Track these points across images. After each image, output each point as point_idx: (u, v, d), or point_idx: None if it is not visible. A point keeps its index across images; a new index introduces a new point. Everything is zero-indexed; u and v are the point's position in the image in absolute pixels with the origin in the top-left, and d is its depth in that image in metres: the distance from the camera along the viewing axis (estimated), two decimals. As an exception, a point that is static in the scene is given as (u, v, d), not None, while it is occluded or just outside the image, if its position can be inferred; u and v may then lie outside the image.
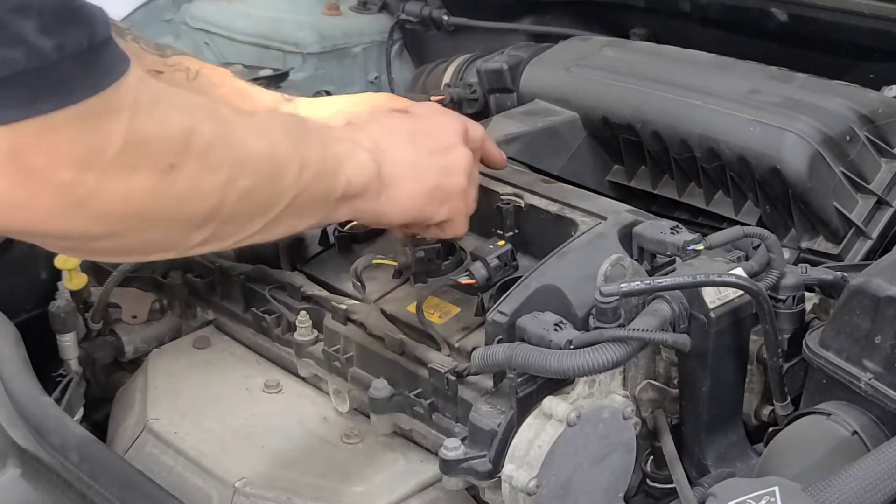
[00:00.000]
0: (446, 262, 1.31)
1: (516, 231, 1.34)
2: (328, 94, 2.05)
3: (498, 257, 1.25)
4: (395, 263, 1.32)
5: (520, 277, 1.21)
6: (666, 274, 1.20)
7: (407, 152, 1.15)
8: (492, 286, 1.26)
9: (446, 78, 1.98)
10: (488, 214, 1.36)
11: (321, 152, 1.02)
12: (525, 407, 1.11)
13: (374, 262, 1.32)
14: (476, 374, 1.18)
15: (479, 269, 1.25)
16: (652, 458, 1.24)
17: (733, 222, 1.53)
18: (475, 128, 1.27)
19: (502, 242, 1.27)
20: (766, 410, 1.24)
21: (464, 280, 1.26)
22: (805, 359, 1.16)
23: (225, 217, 0.91)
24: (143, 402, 1.37)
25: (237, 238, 0.96)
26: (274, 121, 1.00)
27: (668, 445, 1.20)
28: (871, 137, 1.50)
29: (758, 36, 1.85)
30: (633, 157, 1.66)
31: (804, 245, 1.49)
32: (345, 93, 2.13)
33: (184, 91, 0.90)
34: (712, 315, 1.16)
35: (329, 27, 2.18)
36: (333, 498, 1.20)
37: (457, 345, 1.24)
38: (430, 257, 1.29)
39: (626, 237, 1.24)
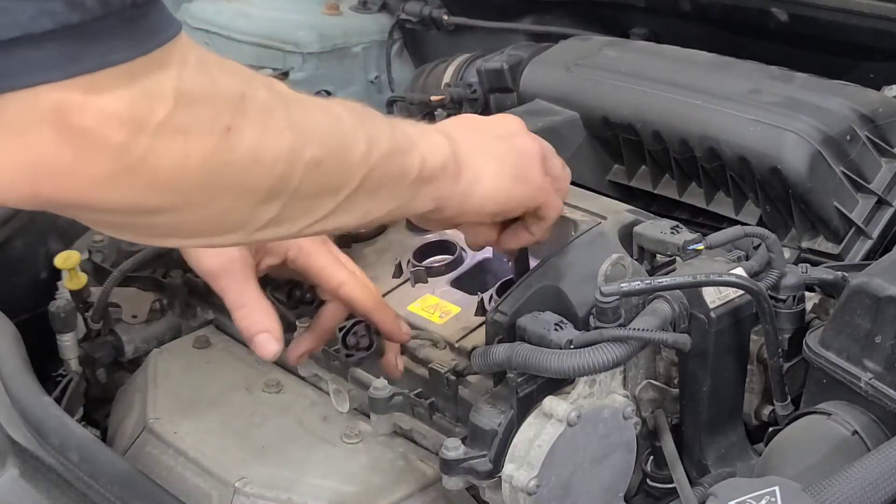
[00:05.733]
0: (446, 262, 1.30)
1: (516, 231, 1.33)
2: (328, 94, 2.06)
3: None
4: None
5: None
6: (666, 274, 1.20)
7: (475, 137, 1.09)
8: None
9: (446, 78, 1.98)
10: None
11: (390, 131, 0.96)
12: (525, 407, 1.11)
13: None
14: (476, 373, 1.18)
15: None
16: (652, 457, 1.24)
17: (733, 222, 1.53)
18: (557, 160, 1.19)
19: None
20: (767, 410, 1.24)
21: None
22: (805, 359, 1.16)
23: (293, 191, 0.85)
24: (143, 402, 1.37)
25: (309, 220, 0.90)
26: (335, 101, 0.95)
27: (668, 445, 1.20)
28: (872, 137, 1.50)
29: (758, 36, 1.85)
30: (634, 157, 1.66)
31: (804, 245, 1.49)
32: (345, 93, 2.15)
33: (237, 63, 0.84)
34: (713, 315, 1.16)
35: (329, 27, 2.18)
36: (333, 498, 1.20)
37: (457, 345, 1.24)
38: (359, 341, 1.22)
39: (627, 237, 1.24)
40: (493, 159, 1.08)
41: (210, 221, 0.83)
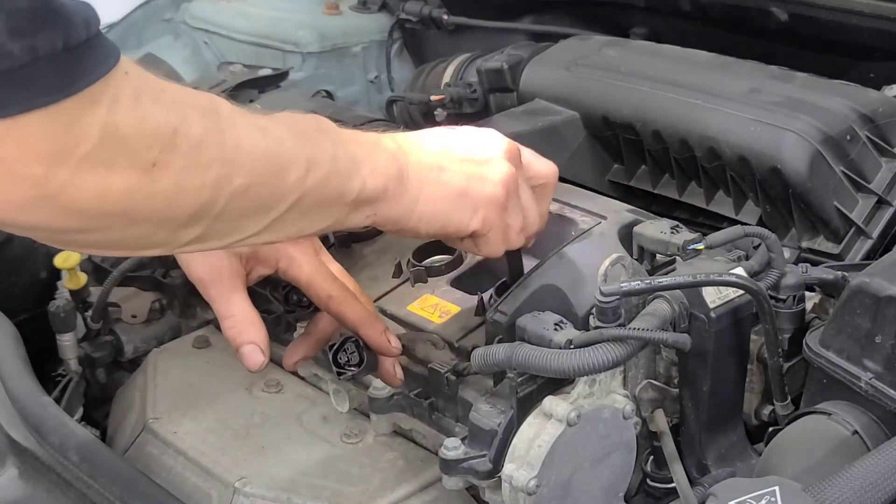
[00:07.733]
0: (446, 262, 1.30)
1: (516, 230, 1.33)
2: (328, 93, 2.06)
3: None
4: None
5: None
6: (666, 273, 1.20)
7: (434, 155, 1.08)
8: None
9: (446, 77, 1.98)
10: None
11: (333, 152, 0.96)
12: (525, 406, 1.11)
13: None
14: (476, 373, 1.18)
15: None
16: (652, 457, 1.24)
17: (733, 222, 1.52)
18: (544, 164, 1.19)
19: None
20: (767, 410, 1.24)
21: None
22: (805, 358, 1.16)
23: (216, 216, 0.86)
24: (143, 402, 1.37)
25: (235, 238, 0.91)
26: (281, 119, 0.95)
27: (668, 445, 1.20)
28: (872, 137, 1.50)
29: (758, 36, 1.85)
30: (634, 157, 1.66)
31: (804, 244, 1.49)
32: (345, 92, 2.16)
33: (180, 87, 0.85)
34: (713, 314, 1.16)
35: (329, 26, 2.18)
36: (333, 498, 1.20)
37: (457, 345, 1.24)
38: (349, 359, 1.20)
39: (627, 236, 1.24)
40: (440, 183, 1.07)
41: (131, 241, 0.85)
